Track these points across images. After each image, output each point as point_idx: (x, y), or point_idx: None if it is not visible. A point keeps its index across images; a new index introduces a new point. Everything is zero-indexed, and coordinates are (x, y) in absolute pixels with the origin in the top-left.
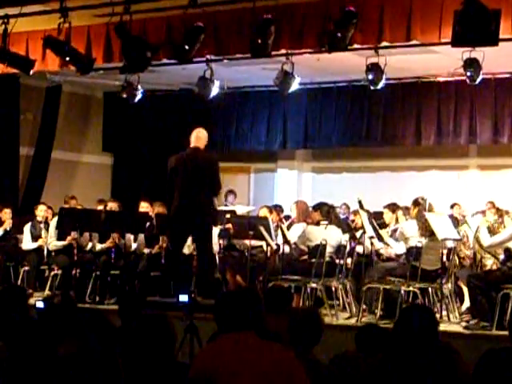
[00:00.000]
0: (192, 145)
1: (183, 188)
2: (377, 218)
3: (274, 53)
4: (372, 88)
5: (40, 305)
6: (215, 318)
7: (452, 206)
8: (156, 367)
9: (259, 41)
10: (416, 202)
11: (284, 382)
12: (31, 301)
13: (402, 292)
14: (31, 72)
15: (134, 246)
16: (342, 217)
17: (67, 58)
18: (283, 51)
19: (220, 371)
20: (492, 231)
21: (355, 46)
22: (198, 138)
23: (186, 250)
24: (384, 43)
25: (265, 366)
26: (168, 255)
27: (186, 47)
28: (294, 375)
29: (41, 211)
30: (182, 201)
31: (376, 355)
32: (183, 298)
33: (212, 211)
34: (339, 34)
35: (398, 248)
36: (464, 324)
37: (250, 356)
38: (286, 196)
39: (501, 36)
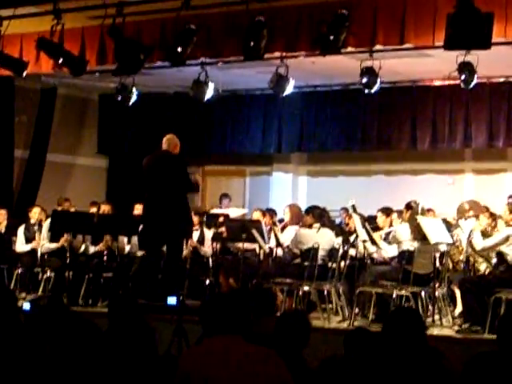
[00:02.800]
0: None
1: (152, 191)
2: (370, 221)
3: (267, 56)
4: (366, 91)
5: (26, 306)
6: (201, 320)
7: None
8: (140, 367)
9: (251, 43)
10: (409, 206)
11: None
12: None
13: (395, 296)
14: (24, 74)
15: (127, 248)
16: (340, 221)
17: (60, 60)
18: (277, 54)
19: (205, 375)
20: (485, 235)
21: (349, 49)
22: (167, 142)
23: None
24: (377, 46)
25: (250, 370)
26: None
27: (179, 49)
28: (280, 379)
29: (35, 213)
30: (151, 204)
31: (365, 359)
32: (171, 300)
33: (185, 215)
34: (332, 37)
35: (390, 251)
36: (456, 328)
37: (235, 360)
38: (282, 199)
39: (494, 40)
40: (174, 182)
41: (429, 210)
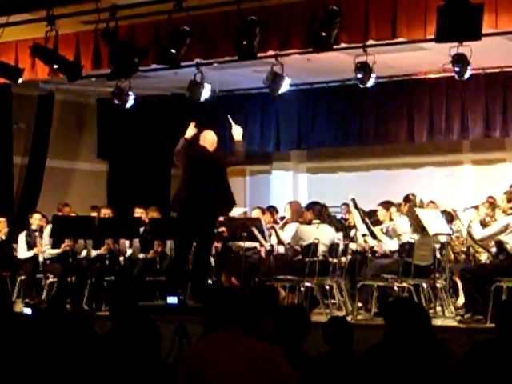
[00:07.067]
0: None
1: (188, 184)
2: (371, 215)
3: (262, 54)
4: (362, 86)
5: (28, 311)
6: (201, 317)
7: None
8: (142, 369)
9: (244, 42)
10: (407, 199)
11: (271, 380)
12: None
13: (396, 288)
14: (20, 80)
15: (129, 251)
16: (342, 217)
17: (55, 66)
18: (271, 52)
19: (206, 370)
20: (484, 225)
21: (342, 45)
22: (203, 138)
23: None
24: (370, 41)
25: (251, 364)
26: (173, 258)
27: (173, 51)
28: (282, 373)
29: (35, 220)
30: (187, 198)
31: (344, 347)
32: (172, 300)
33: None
34: (324, 34)
35: (391, 245)
36: (458, 318)
37: (236, 354)
38: (282, 197)
39: (485, 31)
40: (211, 178)
41: (432, 202)
